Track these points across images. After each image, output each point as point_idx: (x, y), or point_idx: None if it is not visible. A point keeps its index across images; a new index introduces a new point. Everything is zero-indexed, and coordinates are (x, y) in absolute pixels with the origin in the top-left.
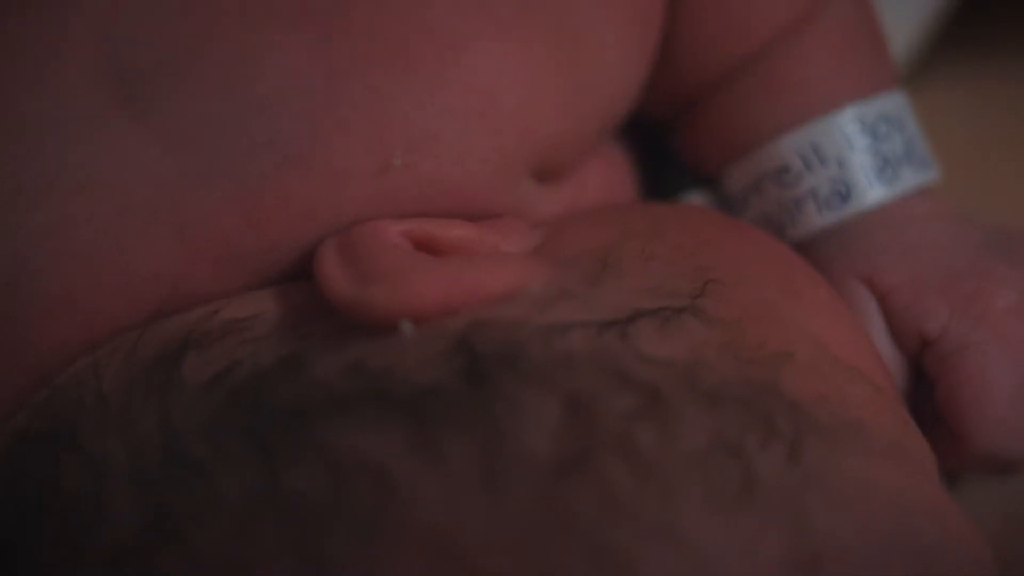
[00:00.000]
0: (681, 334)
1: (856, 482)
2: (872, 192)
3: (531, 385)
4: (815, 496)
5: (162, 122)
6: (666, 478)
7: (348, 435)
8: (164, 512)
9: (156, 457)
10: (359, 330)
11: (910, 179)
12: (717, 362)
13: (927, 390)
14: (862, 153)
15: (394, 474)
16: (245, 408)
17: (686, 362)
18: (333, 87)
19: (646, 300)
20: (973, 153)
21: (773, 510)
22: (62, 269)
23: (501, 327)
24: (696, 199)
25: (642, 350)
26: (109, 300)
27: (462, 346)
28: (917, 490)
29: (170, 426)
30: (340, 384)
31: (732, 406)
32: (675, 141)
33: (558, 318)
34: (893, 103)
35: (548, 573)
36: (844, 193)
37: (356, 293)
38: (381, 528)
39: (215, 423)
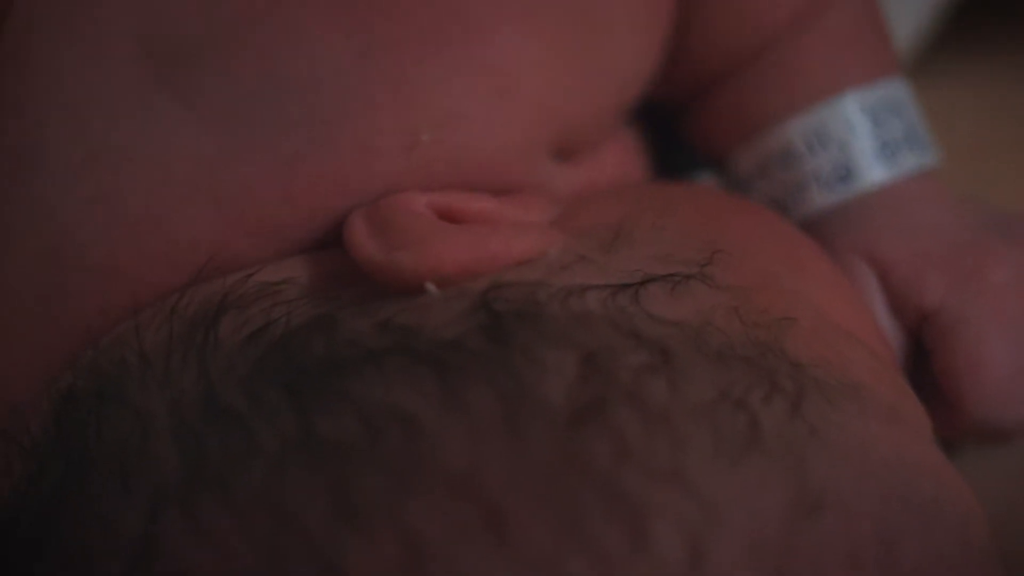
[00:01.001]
0: (690, 298)
1: (855, 438)
2: (872, 173)
3: (549, 340)
4: (816, 448)
5: (202, 101)
6: (675, 427)
7: (378, 386)
8: (204, 459)
9: (196, 409)
10: (387, 293)
11: (909, 161)
12: (723, 324)
13: (925, 363)
14: (863, 137)
15: (421, 420)
16: (280, 363)
17: (694, 324)
18: (364, 68)
19: (657, 267)
20: (975, 148)
21: (776, 459)
22: (107, 238)
23: (521, 288)
24: (706, 180)
25: (653, 311)
26: (151, 267)
27: (484, 305)
28: (914, 450)
29: (209, 381)
30: (370, 340)
31: (737, 364)
32: (687, 126)
33: (575, 281)
34: (894, 89)
35: (565, 512)
36: (845, 175)
37: (384, 257)
38: (409, 470)
39: (252, 377)
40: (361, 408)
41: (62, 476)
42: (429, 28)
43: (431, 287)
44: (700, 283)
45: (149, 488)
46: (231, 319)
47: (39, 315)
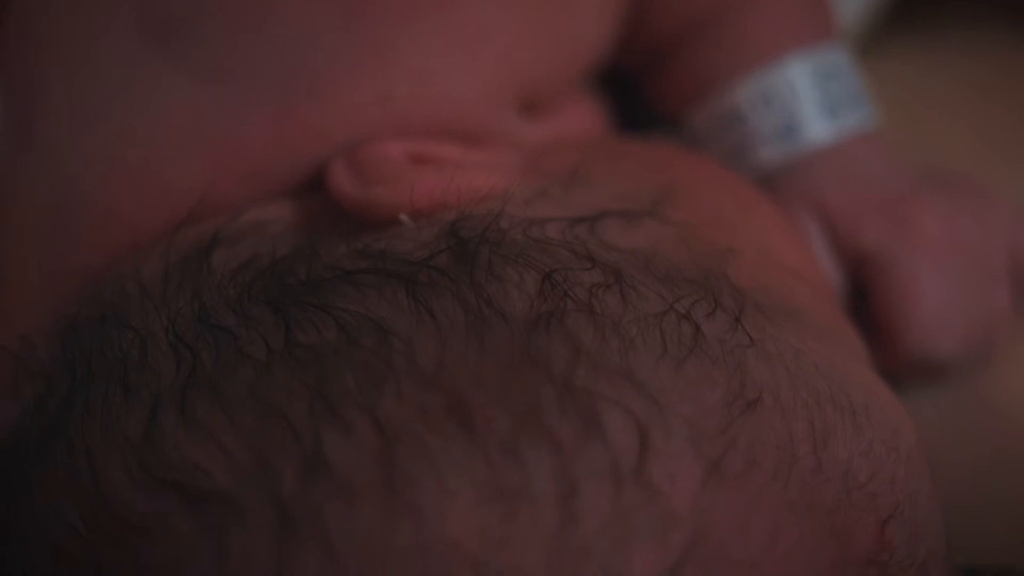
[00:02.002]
0: (642, 231)
1: (791, 349)
2: (814, 128)
3: (510, 260)
4: (754, 354)
5: (196, 61)
6: (625, 333)
7: (354, 300)
8: (198, 367)
9: (190, 326)
10: (364, 227)
11: (850, 118)
12: (672, 252)
13: (864, 307)
14: (805, 96)
15: (393, 327)
16: (266, 285)
17: (645, 251)
18: (348, 29)
19: (613, 204)
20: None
21: (717, 362)
22: (108, 186)
23: (486, 218)
24: (658, 137)
25: (608, 240)
26: (148, 212)
27: (451, 232)
28: (847, 365)
29: (201, 302)
30: (347, 263)
31: (684, 284)
32: (646, 90)
33: (536, 213)
34: (835, 54)
35: (524, 404)
36: (788, 131)
37: (361, 192)
38: (382, 369)
39: (240, 298)
40: (339, 318)
41: (68, 391)
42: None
43: (404, 218)
44: (651, 219)
45: (148, 394)
46: (222, 253)
47: (47, 256)
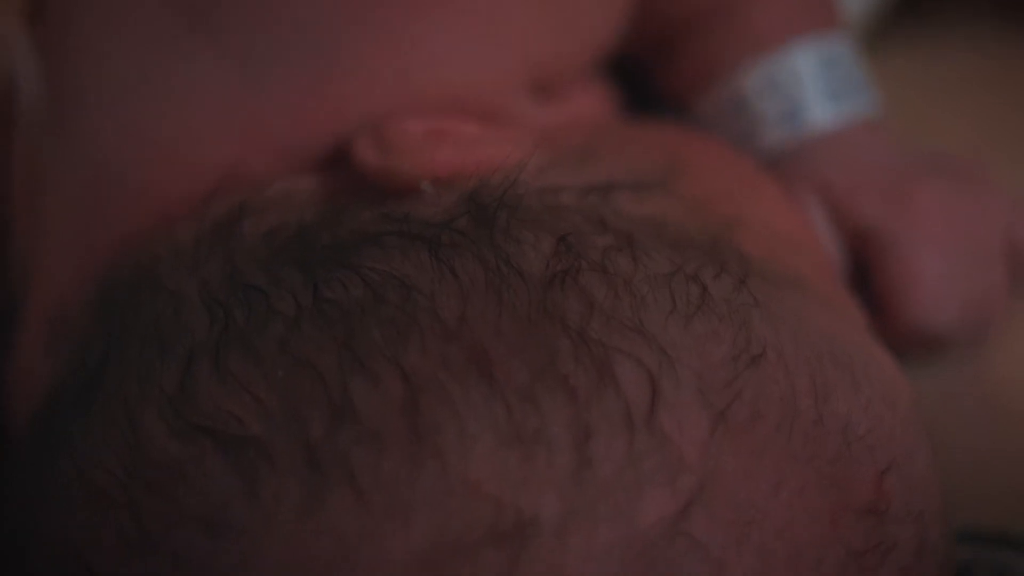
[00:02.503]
0: (652, 202)
1: (794, 312)
2: (816, 112)
3: (526, 224)
4: (758, 314)
5: (226, 42)
6: (637, 291)
7: (378, 259)
8: (230, 322)
9: (222, 286)
10: (387, 196)
11: (851, 104)
12: (681, 222)
13: (865, 285)
14: (808, 83)
15: (416, 284)
16: (294, 248)
17: (655, 219)
18: (369, 14)
19: (624, 176)
20: (921, 114)
21: (723, 319)
22: (141, 161)
23: (503, 185)
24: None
25: (619, 209)
26: (180, 186)
27: (471, 198)
28: (847, 329)
29: (233, 264)
30: (371, 226)
31: (692, 250)
32: (654, 77)
33: (550, 182)
34: (836, 42)
35: (540, 354)
36: (791, 116)
37: (384, 162)
38: (406, 323)
39: (270, 260)
40: (364, 276)
41: (104, 350)
42: None
43: (426, 185)
44: (661, 191)
45: (183, 349)
46: (251, 220)
47: (83, 229)
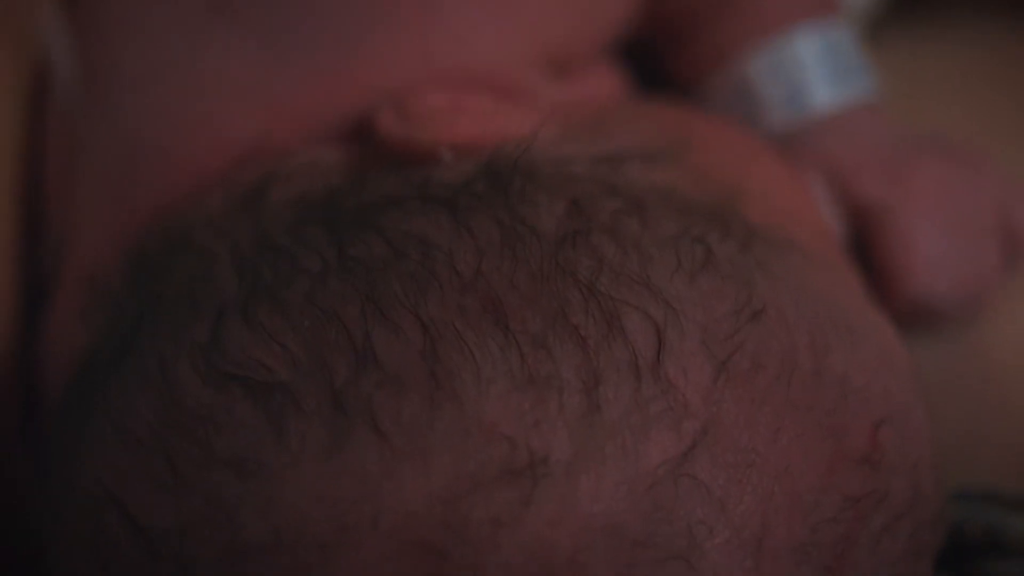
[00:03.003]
0: (660, 171)
1: (795, 274)
2: (819, 94)
3: (541, 188)
4: (761, 274)
5: (254, 20)
6: (644, 250)
7: (400, 220)
8: (259, 279)
9: (251, 247)
10: (408, 164)
11: (852, 86)
12: (688, 190)
13: (866, 260)
14: (811, 66)
15: (435, 242)
16: (319, 211)
17: (664, 187)
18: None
19: (634, 148)
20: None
21: (727, 278)
22: (172, 135)
23: (518, 154)
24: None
25: (629, 177)
26: (210, 158)
27: (487, 164)
28: (846, 293)
29: (261, 227)
30: (393, 190)
31: (697, 215)
32: (663, 61)
33: (564, 152)
34: (836, 28)
35: (552, 305)
36: (795, 98)
37: (405, 131)
38: (426, 276)
39: (296, 223)
40: (386, 235)
41: (137, 309)
42: None
43: (445, 154)
44: (669, 162)
45: (213, 305)
46: (278, 187)
47: (117, 198)
